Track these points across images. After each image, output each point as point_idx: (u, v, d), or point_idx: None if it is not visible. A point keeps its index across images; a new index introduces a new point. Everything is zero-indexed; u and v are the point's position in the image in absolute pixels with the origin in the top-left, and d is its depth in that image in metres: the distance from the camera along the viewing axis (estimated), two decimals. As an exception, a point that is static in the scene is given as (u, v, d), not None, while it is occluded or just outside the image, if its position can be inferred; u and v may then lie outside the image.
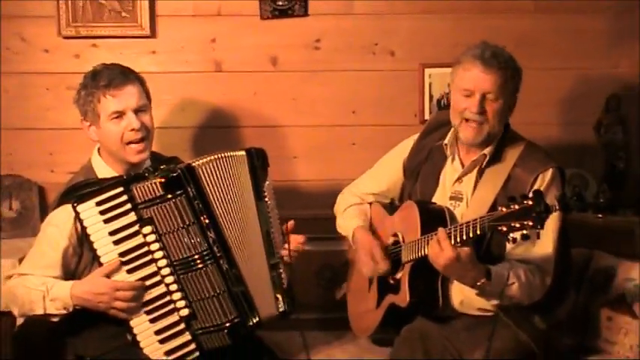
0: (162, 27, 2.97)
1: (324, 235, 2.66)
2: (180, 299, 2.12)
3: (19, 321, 2.38)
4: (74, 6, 2.90)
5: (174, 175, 2.10)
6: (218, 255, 2.12)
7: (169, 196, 2.09)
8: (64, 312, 2.13)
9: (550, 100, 3.06)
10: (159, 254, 2.11)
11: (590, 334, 2.50)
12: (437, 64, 2.97)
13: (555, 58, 3.04)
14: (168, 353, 2.12)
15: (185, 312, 2.12)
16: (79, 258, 2.20)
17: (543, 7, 3.04)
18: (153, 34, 2.95)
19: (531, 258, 2.21)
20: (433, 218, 2.22)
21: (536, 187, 2.19)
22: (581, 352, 2.46)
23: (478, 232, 2.01)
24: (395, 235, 2.39)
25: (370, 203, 2.57)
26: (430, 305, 2.26)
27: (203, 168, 2.14)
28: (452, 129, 2.36)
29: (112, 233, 2.10)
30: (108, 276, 2.10)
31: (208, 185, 2.13)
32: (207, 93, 3.00)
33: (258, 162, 2.21)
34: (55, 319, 2.15)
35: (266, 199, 2.22)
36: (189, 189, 2.10)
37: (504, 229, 1.95)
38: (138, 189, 2.10)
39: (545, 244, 2.21)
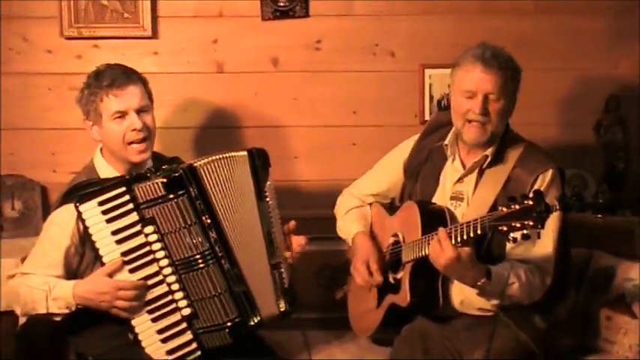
0: (164, 28, 2.97)
1: (325, 235, 2.65)
2: (182, 299, 2.12)
3: (22, 320, 2.37)
4: (76, 7, 2.90)
5: (176, 175, 2.11)
6: (219, 255, 2.13)
7: (171, 196, 2.10)
8: (67, 311, 2.13)
9: (550, 101, 3.06)
10: (161, 254, 2.12)
11: (590, 334, 2.50)
12: (437, 64, 2.98)
13: (555, 58, 3.05)
14: (169, 352, 2.12)
15: (187, 311, 2.12)
16: (81, 257, 2.20)
17: (543, 8, 3.04)
18: (155, 35, 2.96)
19: (531, 258, 2.22)
20: (433, 218, 2.23)
21: (536, 187, 2.19)
22: (580, 352, 2.46)
23: (479, 232, 2.02)
24: (395, 235, 2.39)
25: (370, 204, 2.57)
26: (430, 305, 2.26)
27: (205, 168, 2.14)
28: (452, 129, 2.36)
29: (114, 233, 2.11)
30: (110, 275, 2.11)
31: (210, 185, 2.14)
32: (208, 93, 3.01)
33: (259, 162, 2.22)
34: (58, 319, 2.16)
35: (267, 199, 2.23)
36: (191, 189, 2.11)
37: (505, 228, 1.95)
38: (140, 189, 2.10)
39: (546, 244, 2.21)
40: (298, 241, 2.31)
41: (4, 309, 2.48)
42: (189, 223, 2.11)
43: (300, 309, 2.30)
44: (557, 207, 1.93)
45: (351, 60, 3.02)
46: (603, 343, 2.47)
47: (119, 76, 2.25)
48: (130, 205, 2.11)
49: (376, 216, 2.53)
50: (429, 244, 2.13)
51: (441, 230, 2.08)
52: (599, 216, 2.82)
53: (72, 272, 2.20)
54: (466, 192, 2.31)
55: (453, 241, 2.06)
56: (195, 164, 2.14)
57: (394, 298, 2.31)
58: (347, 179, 2.68)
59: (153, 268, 2.12)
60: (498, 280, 2.13)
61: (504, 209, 1.96)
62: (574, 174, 2.98)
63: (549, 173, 2.26)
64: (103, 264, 2.12)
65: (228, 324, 2.13)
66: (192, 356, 2.14)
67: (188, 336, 2.13)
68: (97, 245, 2.11)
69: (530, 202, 1.91)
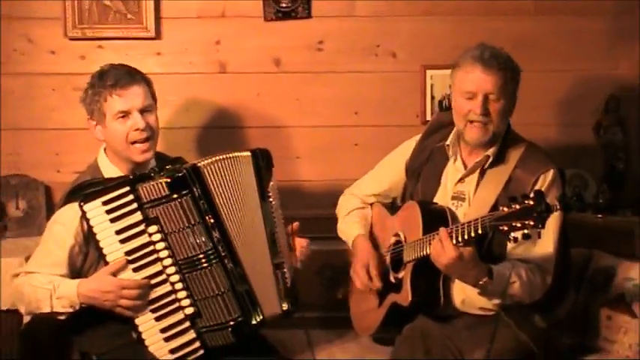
0: (167, 29, 2.98)
1: (326, 235, 2.65)
2: (185, 298, 2.13)
3: (26, 319, 2.37)
4: (80, 8, 2.91)
5: (180, 175, 2.11)
6: (223, 254, 2.13)
7: (175, 195, 2.10)
8: (71, 310, 2.14)
9: (550, 101, 3.07)
10: (164, 253, 2.12)
11: (590, 334, 2.50)
12: (438, 65, 2.98)
13: (555, 59, 3.06)
14: (173, 351, 2.12)
15: (190, 310, 2.13)
16: (85, 256, 2.21)
17: (543, 9, 3.05)
18: (158, 35, 2.97)
19: (532, 257, 2.22)
20: (435, 218, 2.24)
21: (537, 187, 2.19)
22: (580, 351, 2.46)
23: (480, 232, 2.02)
24: (397, 234, 2.39)
25: (371, 204, 2.57)
26: (432, 304, 2.26)
27: (208, 168, 2.14)
28: (453, 130, 2.37)
29: (118, 232, 2.11)
30: (114, 274, 2.11)
31: (213, 185, 2.14)
32: (211, 94, 3.02)
33: (263, 163, 2.22)
34: (62, 317, 2.16)
35: (270, 200, 2.23)
36: (194, 189, 2.11)
37: (506, 228, 1.96)
38: (144, 189, 2.11)
39: (546, 243, 2.22)
40: (301, 243, 2.32)
41: (8, 308, 2.50)
42: (192, 222, 2.11)
43: (301, 308, 2.30)
44: (558, 207, 1.94)
45: (352, 61, 3.03)
46: (603, 342, 2.48)
47: (123, 76, 2.25)
48: (134, 205, 2.11)
49: (377, 216, 2.54)
50: (430, 243, 2.14)
51: (442, 230, 2.09)
52: (599, 216, 2.82)
53: (76, 271, 2.20)
54: (467, 192, 2.32)
55: (454, 241, 2.07)
56: (198, 164, 2.15)
57: (395, 297, 2.32)
58: (348, 179, 2.69)
59: (156, 268, 2.12)
60: (500, 280, 2.14)
61: (505, 209, 1.97)
62: (574, 174, 2.98)
63: (550, 173, 2.26)
64: (106, 263, 2.12)
65: (231, 323, 2.14)
66: (196, 355, 2.14)
67: (191, 335, 2.14)
68: (101, 244, 2.12)
69: (531, 202, 1.92)
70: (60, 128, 2.96)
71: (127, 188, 2.12)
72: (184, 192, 2.11)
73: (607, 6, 3.06)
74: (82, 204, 2.12)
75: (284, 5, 2.98)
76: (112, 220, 2.11)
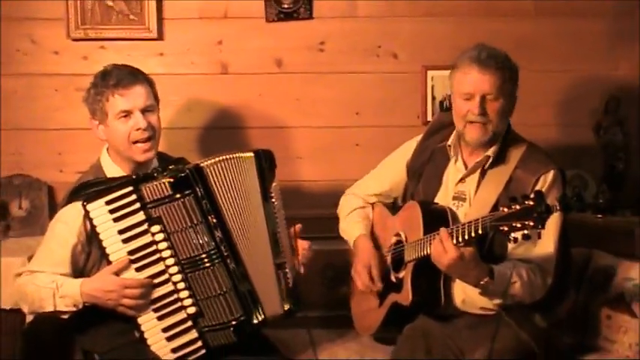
0: (170, 29, 2.99)
1: (328, 235, 2.66)
2: (188, 297, 2.13)
3: (29, 318, 2.39)
4: (83, 9, 2.92)
5: (183, 175, 2.12)
6: (225, 254, 2.14)
7: (178, 195, 2.11)
8: (74, 309, 2.14)
9: (550, 102, 3.08)
10: (167, 253, 2.13)
11: (590, 333, 2.51)
12: (439, 66, 2.98)
13: (555, 60, 3.06)
14: (174, 350, 2.13)
15: (192, 310, 2.13)
16: (87, 256, 2.21)
17: (543, 10, 3.05)
18: (160, 36, 2.98)
19: (532, 258, 2.22)
20: (435, 218, 2.24)
21: (537, 188, 2.20)
22: (581, 351, 2.47)
23: (480, 232, 2.03)
24: (398, 234, 2.40)
25: (373, 204, 2.58)
26: (432, 304, 2.27)
27: (211, 168, 2.15)
28: (454, 130, 2.37)
29: (121, 232, 2.12)
30: (117, 274, 2.12)
31: (216, 185, 2.15)
32: (213, 94, 3.03)
33: (265, 163, 2.23)
34: (65, 317, 2.16)
35: (273, 200, 2.24)
36: (197, 189, 2.12)
37: (506, 229, 1.97)
38: (147, 188, 2.12)
39: (546, 244, 2.22)
40: (302, 245, 2.32)
41: (11, 307, 2.51)
42: (195, 222, 2.12)
43: (303, 308, 2.31)
44: (558, 207, 1.95)
45: (354, 61, 3.04)
46: (603, 341, 2.48)
47: (125, 76, 2.26)
48: (137, 205, 2.12)
49: (379, 216, 2.54)
50: (430, 243, 2.14)
51: (443, 230, 2.09)
52: (599, 216, 2.84)
53: (78, 270, 2.21)
54: (468, 192, 2.33)
55: (455, 241, 2.07)
56: (201, 164, 2.16)
57: (396, 297, 2.33)
58: (350, 179, 2.69)
59: (159, 267, 2.13)
60: (501, 280, 2.14)
61: (505, 209, 1.97)
62: (574, 174, 2.99)
63: (551, 174, 2.27)
64: (109, 262, 2.13)
65: (233, 322, 2.14)
66: (198, 354, 2.14)
67: (193, 334, 2.14)
68: (104, 244, 2.13)
69: (531, 203, 1.93)
70: (62, 128, 2.97)
71: (130, 188, 2.13)
72: (187, 192, 2.11)
73: (607, 7, 3.06)
74: (85, 203, 2.13)
75: (286, 6, 2.98)
76: (115, 220, 2.12)
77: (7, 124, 2.97)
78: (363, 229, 2.51)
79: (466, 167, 2.36)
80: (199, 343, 2.15)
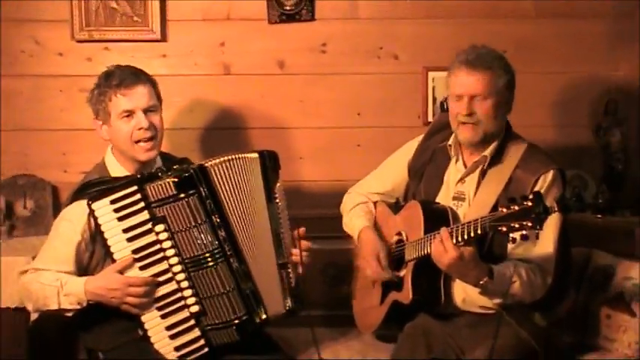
0: (173, 31, 3.00)
1: (329, 235, 2.68)
2: (191, 296, 2.14)
3: (33, 316, 2.40)
4: (87, 10, 2.93)
5: (187, 175, 2.13)
6: (228, 253, 2.15)
7: (182, 195, 2.12)
8: (78, 307, 2.15)
9: (550, 103, 3.07)
10: (171, 252, 2.14)
11: (590, 332, 2.51)
12: (440, 67, 2.94)
13: (555, 61, 3.06)
14: (178, 348, 2.14)
15: (195, 308, 2.14)
16: (91, 254, 2.22)
17: (544, 12, 3.05)
18: (163, 38, 2.99)
19: (532, 257, 2.23)
20: (436, 218, 2.25)
21: (537, 188, 2.21)
22: (580, 350, 2.47)
23: (479, 232, 2.04)
24: (399, 233, 2.41)
25: (375, 202, 2.59)
26: (432, 303, 2.28)
27: (215, 168, 2.17)
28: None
29: (125, 231, 2.13)
30: (121, 272, 2.13)
31: (220, 185, 2.16)
32: (215, 95, 3.03)
33: (269, 164, 2.24)
34: (69, 314, 2.17)
35: (277, 201, 2.24)
36: (201, 189, 2.13)
37: (504, 229, 1.98)
38: (151, 188, 2.13)
39: (546, 244, 2.23)
40: (304, 246, 2.32)
41: (16, 305, 2.53)
42: (199, 222, 2.13)
43: (305, 306, 2.31)
44: (556, 208, 1.95)
45: (355, 63, 3.05)
46: (603, 341, 2.49)
47: (128, 76, 2.28)
48: (142, 204, 2.13)
49: (380, 215, 2.55)
50: (431, 243, 2.15)
51: (444, 230, 2.11)
52: (599, 216, 2.82)
53: (82, 269, 2.22)
54: (468, 192, 2.34)
55: (454, 241, 2.08)
56: (205, 164, 2.17)
57: (397, 295, 2.34)
58: (351, 180, 2.70)
59: (163, 266, 2.14)
60: (501, 279, 2.15)
61: (504, 210, 1.98)
62: (574, 175, 2.99)
63: (550, 174, 2.27)
64: (113, 261, 2.14)
65: (236, 321, 2.15)
66: (200, 352, 2.15)
67: (196, 332, 2.15)
68: (109, 243, 2.14)
69: (529, 204, 1.94)
70: (67, 129, 2.98)
71: (135, 187, 2.14)
72: (191, 192, 2.13)
73: (607, 8, 3.06)
74: (90, 202, 2.14)
75: (288, 8, 2.99)
76: (120, 219, 2.13)
77: (12, 125, 2.98)
78: (367, 221, 2.51)
79: (466, 167, 2.37)
80: (202, 342, 2.16)
